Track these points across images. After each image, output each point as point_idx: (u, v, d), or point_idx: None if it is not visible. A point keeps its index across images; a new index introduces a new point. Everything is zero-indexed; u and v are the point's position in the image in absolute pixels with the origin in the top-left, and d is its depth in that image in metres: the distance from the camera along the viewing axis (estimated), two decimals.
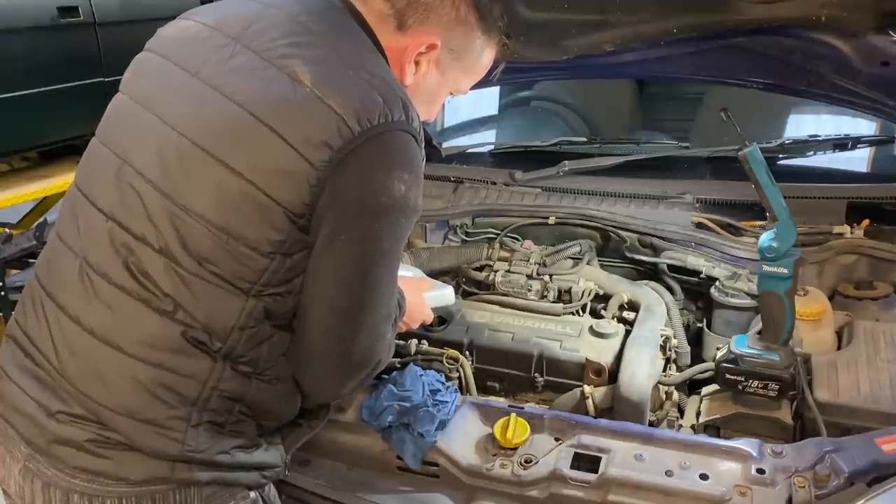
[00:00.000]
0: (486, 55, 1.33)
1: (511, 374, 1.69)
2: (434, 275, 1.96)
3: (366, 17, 1.21)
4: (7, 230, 3.24)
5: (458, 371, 1.65)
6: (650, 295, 1.82)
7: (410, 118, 1.13)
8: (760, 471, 1.26)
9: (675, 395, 1.66)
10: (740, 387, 1.52)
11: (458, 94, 1.37)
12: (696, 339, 1.83)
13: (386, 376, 1.51)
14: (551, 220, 2.06)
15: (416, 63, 1.25)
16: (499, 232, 2.09)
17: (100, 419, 1.11)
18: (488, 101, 2.95)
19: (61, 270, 1.18)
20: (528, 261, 1.94)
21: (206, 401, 1.12)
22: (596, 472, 1.29)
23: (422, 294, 1.56)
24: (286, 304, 1.14)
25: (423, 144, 1.18)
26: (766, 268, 1.48)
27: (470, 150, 2.69)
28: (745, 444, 1.32)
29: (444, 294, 1.67)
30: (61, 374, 1.14)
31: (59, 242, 1.21)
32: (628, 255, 1.99)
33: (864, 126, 2.44)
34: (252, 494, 1.22)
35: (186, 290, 1.09)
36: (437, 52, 1.25)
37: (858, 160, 2.38)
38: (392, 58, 1.22)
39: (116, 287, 1.12)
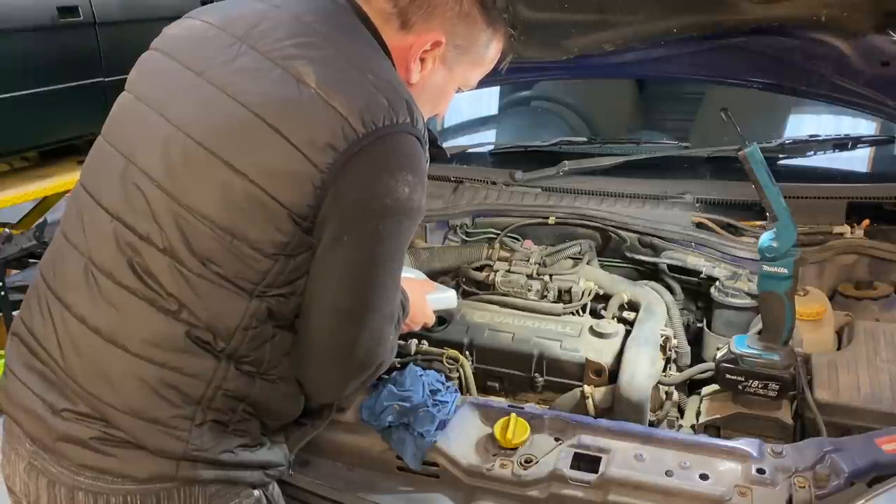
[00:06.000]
0: (492, 48, 1.33)
1: (511, 374, 1.69)
2: (434, 275, 1.96)
3: (370, 17, 1.21)
4: (7, 230, 3.24)
5: (458, 371, 1.65)
6: (650, 295, 1.82)
7: (415, 120, 1.13)
8: (760, 471, 1.26)
9: (675, 395, 1.65)
10: (740, 387, 1.52)
11: (466, 89, 1.37)
12: (696, 339, 1.83)
13: (386, 376, 1.50)
14: (551, 220, 2.06)
15: (422, 61, 1.25)
16: (499, 232, 2.09)
17: (105, 417, 1.11)
18: (488, 101, 2.95)
19: (67, 269, 1.18)
20: (528, 261, 1.94)
21: (210, 400, 1.12)
22: (596, 472, 1.29)
23: (424, 296, 1.56)
24: (289, 305, 1.14)
25: (427, 146, 1.17)
26: (766, 268, 1.48)
27: (470, 150, 2.69)
28: (745, 444, 1.32)
29: (447, 297, 1.67)
30: (66, 372, 1.14)
31: (65, 241, 1.21)
32: (628, 255, 1.99)
33: (864, 126, 2.44)
34: (256, 493, 1.22)
35: (190, 290, 1.10)
36: (443, 48, 1.25)
37: (858, 160, 2.38)
38: (397, 57, 1.22)
39: (121, 286, 1.12)
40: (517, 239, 2.08)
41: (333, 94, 1.08)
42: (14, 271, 3.34)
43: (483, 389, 1.71)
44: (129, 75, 1.27)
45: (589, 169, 2.26)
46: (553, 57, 2.12)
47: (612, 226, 2.01)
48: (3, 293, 3.09)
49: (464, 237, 2.16)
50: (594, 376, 1.61)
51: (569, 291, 1.86)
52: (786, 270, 1.46)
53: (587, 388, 1.59)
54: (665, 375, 1.66)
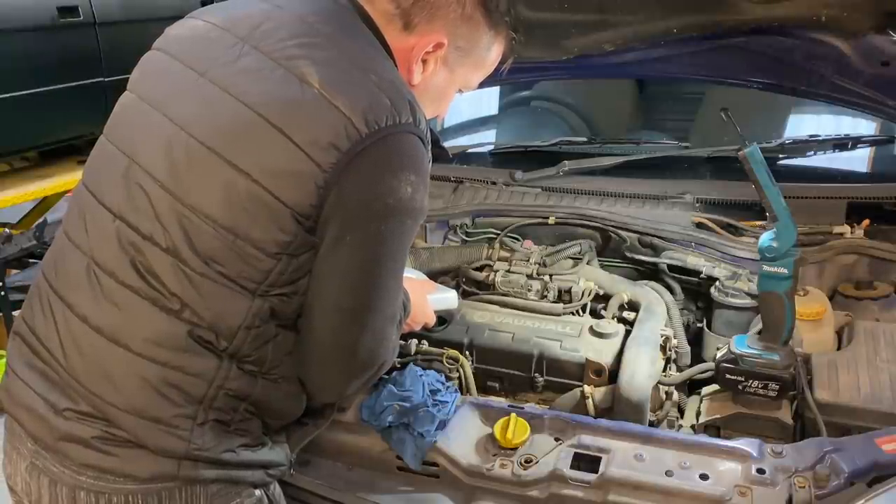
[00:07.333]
0: (493, 50, 1.33)
1: (511, 374, 1.69)
2: (434, 275, 1.96)
3: (372, 18, 1.21)
4: (7, 230, 3.24)
5: (458, 371, 1.65)
6: (650, 295, 1.82)
7: (418, 120, 1.14)
8: (760, 471, 1.26)
9: (675, 395, 1.66)
10: (740, 387, 1.52)
11: (467, 91, 1.37)
12: (696, 339, 1.83)
13: (386, 376, 1.50)
14: (551, 220, 2.06)
15: (424, 62, 1.25)
16: (499, 232, 2.09)
17: (107, 417, 1.11)
18: (488, 101, 2.95)
19: (69, 269, 1.19)
20: (528, 261, 1.94)
21: (212, 399, 1.12)
22: (596, 472, 1.29)
23: (425, 296, 1.56)
24: (292, 305, 1.14)
25: (429, 147, 1.18)
26: (766, 268, 1.48)
27: (470, 150, 2.69)
28: (745, 444, 1.32)
29: (448, 297, 1.67)
30: (68, 371, 1.14)
31: (67, 241, 1.21)
32: (628, 255, 1.99)
33: (864, 126, 2.44)
34: (257, 492, 1.22)
35: (193, 289, 1.10)
36: (445, 50, 1.25)
37: (858, 160, 2.38)
38: (399, 58, 1.23)
39: (124, 286, 1.12)
40: (517, 239, 2.08)
41: (336, 94, 1.08)
42: (14, 271, 3.35)
43: (483, 389, 1.71)
44: (131, 75, 1.28)
45: (589, 169, 2.27)
46: (553, 57, 2.12)
47: (612, 226, 2.01)
48: (3, 293, 3.09)
49: (464, 237, 2.16)
50: (594, 376, 1.61)
51: (569, 291, 1.86)
52: (786, 270, 1.46)
53: (587, 388, 1.59)
54: (665, 375, 1.66)
